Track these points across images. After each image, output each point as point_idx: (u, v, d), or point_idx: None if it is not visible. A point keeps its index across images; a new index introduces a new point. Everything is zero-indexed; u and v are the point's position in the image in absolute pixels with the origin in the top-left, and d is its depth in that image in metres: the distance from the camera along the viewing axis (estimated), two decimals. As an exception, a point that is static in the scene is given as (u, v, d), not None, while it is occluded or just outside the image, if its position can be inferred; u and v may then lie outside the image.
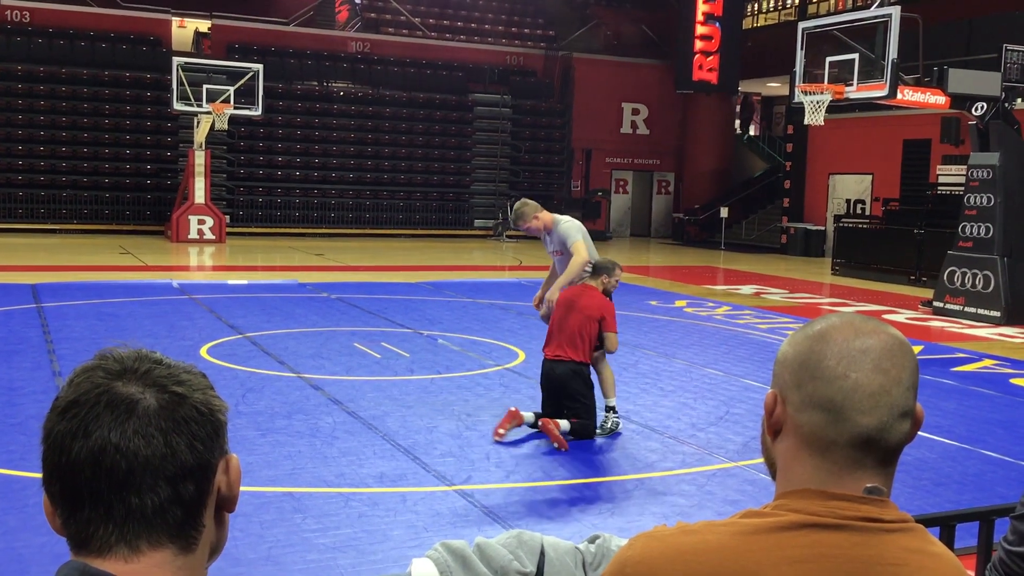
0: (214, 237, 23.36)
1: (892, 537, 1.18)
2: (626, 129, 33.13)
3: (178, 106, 22.88)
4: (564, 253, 7.44)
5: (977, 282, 14.61)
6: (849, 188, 26.84)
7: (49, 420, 1.03)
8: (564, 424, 6.90)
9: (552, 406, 7.05)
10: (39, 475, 1.06)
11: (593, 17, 33.39)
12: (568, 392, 6.97)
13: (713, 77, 31.02)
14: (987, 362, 11.07)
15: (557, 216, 7.60)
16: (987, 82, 14.30)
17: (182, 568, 1.03)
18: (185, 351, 9.67)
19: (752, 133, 37.75)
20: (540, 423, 6.83)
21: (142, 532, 1.01)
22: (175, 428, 1.02)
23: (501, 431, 6.89)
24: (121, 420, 1.00)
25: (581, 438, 6.97)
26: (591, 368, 7.14)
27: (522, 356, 10.26)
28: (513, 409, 7.00)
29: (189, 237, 23.15)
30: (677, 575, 1.16)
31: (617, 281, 7.39)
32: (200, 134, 23.15)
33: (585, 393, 7.02)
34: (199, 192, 23.20)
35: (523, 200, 7.67)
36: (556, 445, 6.75)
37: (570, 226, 7.43)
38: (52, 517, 1.04)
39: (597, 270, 7.29)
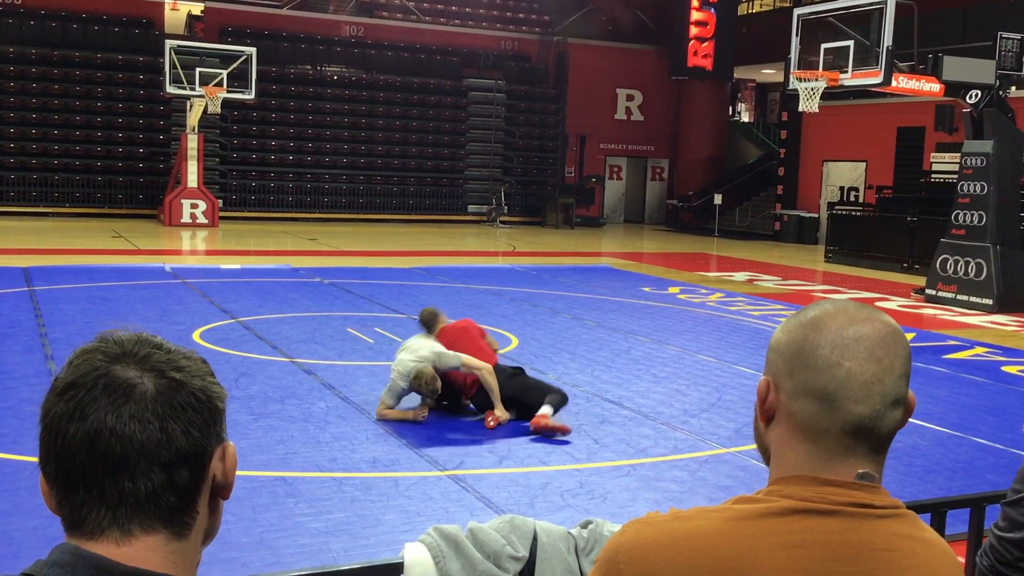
0: (207, 221, 23.30)
1: (883, 523, 1.19)
2: (620, 115, 33.09)
3: (171, 89, 22.78)
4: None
5: (969, 270, 14.65)
6: (843, 175, 26.86)
7: (47, 401, 1.03)
8: (546, 409, 6.87)
9: (517, 407, 7.07)
10: (33, 459, 1.06)
11: (588, 2, 33.27)
12: (512, 388, 7.07)
13: (708, 63, 30.97)
14: (979, 350, 11.12)
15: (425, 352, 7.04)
16: (982, 70, 14.31)
17: (175, 553, 1.03)
18: (178, 335, 9.65)
19: (744, 119, 37.67)
20: (532, 427, 6.79)
21: (134, 516, 1.01)
22: (171, 414, 1.02)
23: (491, 422, 6.94)
24: (118, 404, 1.00)
25: (561, 407, 6.98)
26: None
27: (515, 342, 10.26)
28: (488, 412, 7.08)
29: (182, 221, 23.08)
30: (670, 561, 1.16)
31: None
32: (193, 118, 23.06)
33: (524, 378, 7.24)
34: (192, 176, 23.12)
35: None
36: (560, 434, 6.76)
37: (450, 356, 7.01)
38: (48, 497, 1.05)
39: (435, 320, 7.61)
